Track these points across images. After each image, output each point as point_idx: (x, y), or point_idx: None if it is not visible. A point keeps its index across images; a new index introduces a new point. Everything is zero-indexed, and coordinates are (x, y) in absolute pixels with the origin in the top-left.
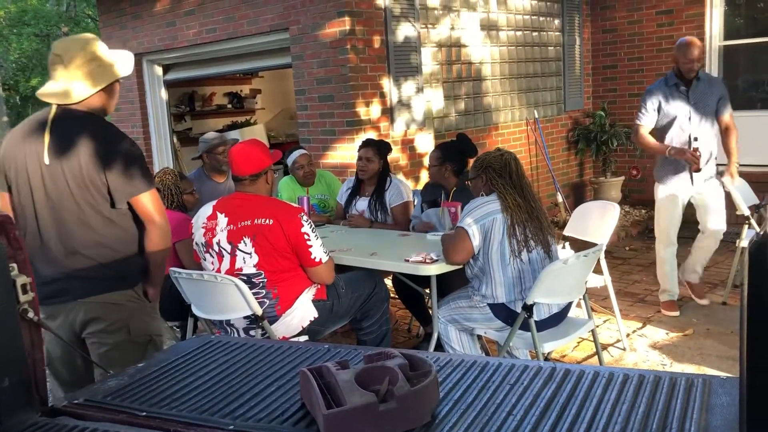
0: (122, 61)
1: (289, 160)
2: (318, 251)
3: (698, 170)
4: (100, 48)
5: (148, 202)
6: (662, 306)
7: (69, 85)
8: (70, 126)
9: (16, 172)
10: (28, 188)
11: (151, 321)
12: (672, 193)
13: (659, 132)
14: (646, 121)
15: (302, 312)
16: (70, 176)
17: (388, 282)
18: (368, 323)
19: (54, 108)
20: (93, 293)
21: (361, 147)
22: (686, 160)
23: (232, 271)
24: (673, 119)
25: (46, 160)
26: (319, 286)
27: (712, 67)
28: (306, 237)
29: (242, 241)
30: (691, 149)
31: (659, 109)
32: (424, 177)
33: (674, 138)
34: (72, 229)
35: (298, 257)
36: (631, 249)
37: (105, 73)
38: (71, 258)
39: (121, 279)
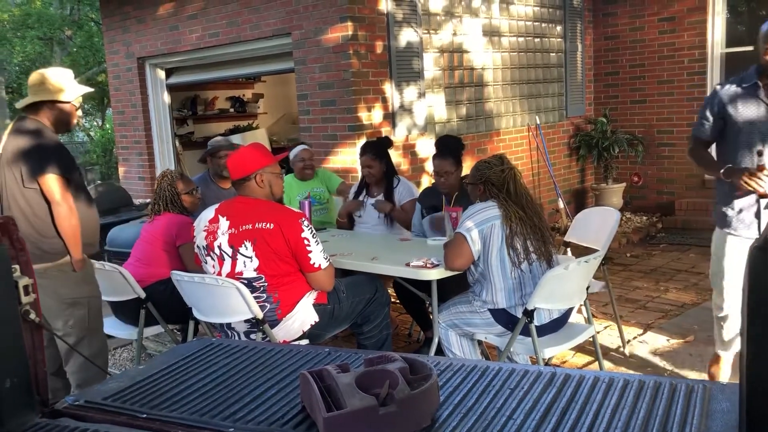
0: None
1: (291, 154)
2: (317, 257)
3: (765, 195)
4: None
5: (52, 184)
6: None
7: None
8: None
9: None
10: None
11: (76, 287)
12: (733, 240)
13: (724, 148)
14: (701, 132)
15: (303, 316)
16: (7, 163)
17: (390, 288)
18: (369, 327)
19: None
20: None
21: (360, 155)
22: (744, 185)
23: (233, 275)
24: (740, 131)
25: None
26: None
27: (714, 74)
28: (306, 242)
29: (243, 245)
30: (756, 167)
31: (724, 117)
32: (425, 182)
33: (741, 157)
34: (12, 206)
35: (298, 262)
36: (632, 255)
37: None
38: None
39: (41, 254)
